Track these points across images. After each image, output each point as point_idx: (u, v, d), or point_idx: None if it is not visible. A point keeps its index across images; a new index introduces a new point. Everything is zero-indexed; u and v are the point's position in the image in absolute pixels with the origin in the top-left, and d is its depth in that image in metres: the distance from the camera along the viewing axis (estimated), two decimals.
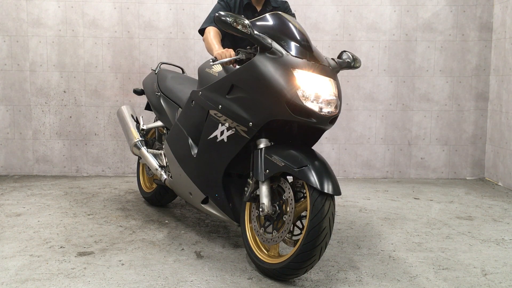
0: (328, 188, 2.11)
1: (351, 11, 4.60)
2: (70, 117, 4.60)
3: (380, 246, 2.79)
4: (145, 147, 3.37)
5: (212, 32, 2.80)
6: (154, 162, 3.22)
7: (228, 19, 2.23)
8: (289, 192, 2.25)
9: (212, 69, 2.69)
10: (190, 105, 2.79)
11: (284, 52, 2.27)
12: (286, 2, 3.14)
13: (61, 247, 2.67)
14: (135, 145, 3.37)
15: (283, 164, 2.21)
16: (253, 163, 2.38)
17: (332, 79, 2.30)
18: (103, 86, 4.58)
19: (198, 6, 4.54)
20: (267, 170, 2.28)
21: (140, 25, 4.54)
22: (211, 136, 2.54)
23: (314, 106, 2.20)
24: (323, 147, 4.68)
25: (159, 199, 3.49)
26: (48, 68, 4.54)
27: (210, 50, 2.72)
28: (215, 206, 2.64)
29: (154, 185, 3.56)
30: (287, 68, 2.21)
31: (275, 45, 2.29)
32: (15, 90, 4.54)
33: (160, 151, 3.26)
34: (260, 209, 2.28)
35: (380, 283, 2.27)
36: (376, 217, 3.39)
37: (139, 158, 3.65)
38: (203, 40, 2.86)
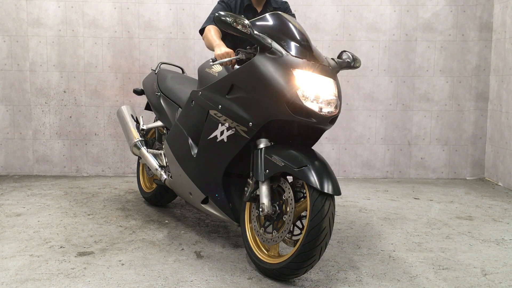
0: (328, 188, 2.11)
1: (351, 11, 4.60)
2: (70, 117, 4.60)
3: (380, 246, 2.79)
4: (145, 147, 3.37)
5: (212, 30, 2.80)
6: (154, 162, 3.22)
7: (228, 19, 2.23)
8: (289, 192, 2.25)
9: (212, 69, 2.69)
10: (190, 105, 2.79)
11: (284, 52, 2.27)
12: (286, 2, 3.14)
13: (61, 247, 2.67)
14: (135, 145, 3.37)
15: (283, 164, 2.21)
16: (253, 163, 2.38)
17: (332, 79, 2.30)
18: (103, 86, 4.59)
19: (198, 6, 4.54)
20: (267, 170, 2.28)
21: (140, 25, 4.54)
22: (211, 136, 2.54)
23: (314, 106, 2.20)
24: (323, 147, 4.68)
25: (159, 199, 3.49)
26: (48, 68, 4.54)
27: (210, 46, 2.71)
28: (215, 206, 2.64)
29: (154, 185, 3.56)
30: (287, 68, 2.21)
31: (275, 45, 2.29)
32: (15, 90, 4.54)
33: (160, 151, 3.26)
34: (260, 209, 2.28)
35: (380, 283, 2.27)
36: (376, 217, 3.39)
37: (139, 158, 3.65)
38: (203, 38, 2.86)
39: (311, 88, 2.20)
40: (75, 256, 2.54)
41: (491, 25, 4.61)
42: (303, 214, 2.30)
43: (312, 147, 2.44)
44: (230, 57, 2.46)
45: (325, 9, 4.59)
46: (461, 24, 4.61)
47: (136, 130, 3.44)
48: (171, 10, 4.54)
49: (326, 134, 4.58)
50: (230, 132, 2.43)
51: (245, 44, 2.80)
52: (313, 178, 2.12)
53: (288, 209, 2.24)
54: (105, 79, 4.58)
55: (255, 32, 2.30)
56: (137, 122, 3.51)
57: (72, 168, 4.64)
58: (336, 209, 3.20)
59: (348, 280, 2.30)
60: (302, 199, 2.29)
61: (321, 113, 2.22)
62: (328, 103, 2.24)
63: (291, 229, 2.32)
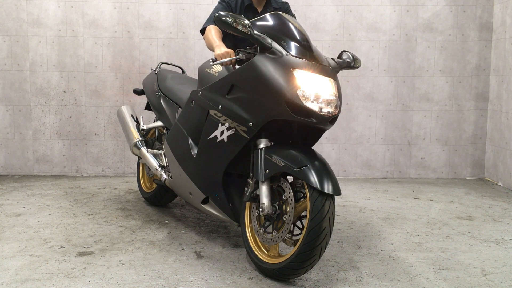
0: (328, 188, 2.11)
1: (351, 11, 4.60)
2: (70, 117, 4.60)
3: (380, 246, 2.79)
4: (145, 147, 3.37)
5: (213, 30, 2.80)
6: (154, 162, 3.22)
7: (228, 19, 2.23)
8: (289, 192, 2.25)
9: (212, 69, 2.69)
10: (190, 105, 2.79)
11: (284, 52, 2.27)
12: (287, 3, 3.14)
13: (61, 247, 2.67)
14: (135, 145, 3.37)
15: (283, 164, 2.21)
16: (253, 163, 2.38)
17: (332, 79, 2.30)
18: (103, 86, 4.59)
19: (198, 6, 4.54)
20: (267, 170, 2.28)
21: (140, 25, 4.54)
22: (211, 136, 2.54)
23: (314, 106, 2.20)
24: (323, 147, 4.68)
25: (159, 199, 3.49)
26: (48, 68, 4.54)
27: (210, 46, 2.71)
28: (215, 206, 2.64)
29: (154, 185, 3.56)
30: (287, 68, 2.21)
31: (275, 45, 2.29)
32: (15, 90, 4.54)
33: (160, 151, 3.27)
34: (260, 209, 2.28)
35: (380, 283, 2.27)
36: (376, 217, 3.39)
37: (139, 158, 3.65)
38: (204, 38, 2.86)
39: (311, 88, 2.20)
40: (75, 256, 2.54)
41: (491, 25, 4.61)
42: (303, 214, 2.30)
43: (312, 147, 2.45)
44: (230, 57, 2.46)
45: (325, 9, 4.59)
46: (461, 24, 4.61)
47: (136, 130, 3.44)
48: (171, 10, 4.54)
49: (326, 134, 4.58)
50: (230, 132, 2.43)
51: (245, 44, 2.80)
52: (313, 178, 2.12)
53: (288, 209, 2.24)
54: (105, 79, 4.58)
55: (255, 32, 2.30)
56: (137, 122, 3.51)
57: (72, 168, 4.64)
58: (336, 209, 3.20)
59: (348, 280, 2.30)
60: (302, 199, 2.29)
61: (321, 113, 2.22)
62: (328, 103, 2.25)
63: (291, 229, 2.32)
